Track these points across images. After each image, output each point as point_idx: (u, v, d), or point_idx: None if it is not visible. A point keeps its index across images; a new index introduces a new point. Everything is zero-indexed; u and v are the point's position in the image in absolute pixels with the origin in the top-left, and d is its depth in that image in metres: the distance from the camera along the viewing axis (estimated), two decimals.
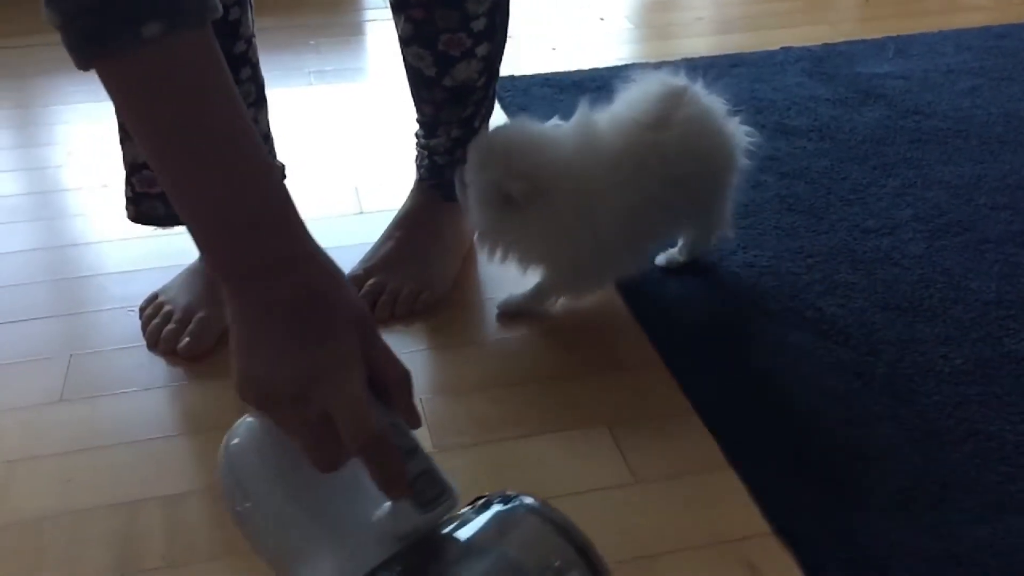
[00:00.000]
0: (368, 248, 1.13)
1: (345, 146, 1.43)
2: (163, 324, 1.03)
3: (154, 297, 1.07)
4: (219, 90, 0.56)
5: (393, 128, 1.41)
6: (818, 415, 0.93)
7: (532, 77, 1.60)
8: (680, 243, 1.12)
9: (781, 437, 0.90)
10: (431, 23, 1.01)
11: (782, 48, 1.69)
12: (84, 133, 1.47)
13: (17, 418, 0.94)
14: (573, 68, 1.64)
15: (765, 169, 1.30)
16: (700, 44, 1.78)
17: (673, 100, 0.99)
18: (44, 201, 1.32)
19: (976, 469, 0.85)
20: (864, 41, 1.72)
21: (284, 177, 1.02)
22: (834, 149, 1.38)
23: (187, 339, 1.01)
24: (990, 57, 1.65)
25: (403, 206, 1.17)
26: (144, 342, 1.03)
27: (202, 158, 0.55)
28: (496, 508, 0.54)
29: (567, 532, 0.53)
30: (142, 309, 1.06)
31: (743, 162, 1.06)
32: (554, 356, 1.03)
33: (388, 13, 1.05)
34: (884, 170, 1.32)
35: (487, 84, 1.09)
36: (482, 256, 1.05)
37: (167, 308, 1.04)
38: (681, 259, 1.12)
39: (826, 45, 1.70)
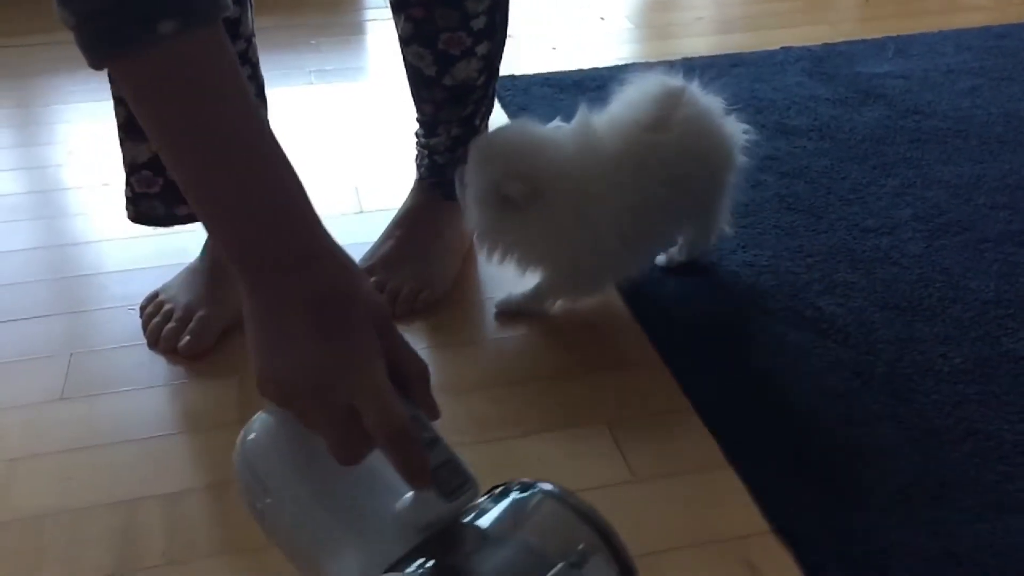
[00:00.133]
0: (368, 247, 1.13)
1: (345, 145, 1.44)
2: (163, 323, 1.03)
3: (154, 296, 1.07)
4: (233, 86, 0.56)
5: (393, 127, 1.41)
6: (817, 414, 0.93)
7: (532, 77, 1.60)
8: (680, 242, 1.12)
9: (780, 436, 0.90)
10: (431, 22, 1.01)
11: (782, 48, 1.70)
12: (85, 132, 1.47)
13: (18, 416, 0.94)
14: (573, 68, 1.64)
15: (765, 168, 1.31)
16: (700, 44, 1.78)
17: (672, 101, 0.99)
18: (45, 200, 1.33)
19: (975, 468, 0.85)
20: (864, 41, 1.72)
21: None
22: (834, 149, 1.38)
23: (187, 338, 1.01)
24: (990, 57, 1.65)
25: (403, 205, 1.17)
26: (144, 341, 1.04)
27: (218, 154, 0.55)
28: (515, 496, 0.54)
29: (589, 517, 0.53)
30: (142, 308, 1.06)
31: (742, 160, 1.06)
32: (554, 355, 1.03)
33: (388, 12, 1.05)
34: (884, 170, 1.32)
35: (487, 83, 1.09)
36: (482, 256, 1.05)
37: (168, 307, 1.04)
38: (681, 258, 1.12)
39: (826, 45, 1.70)
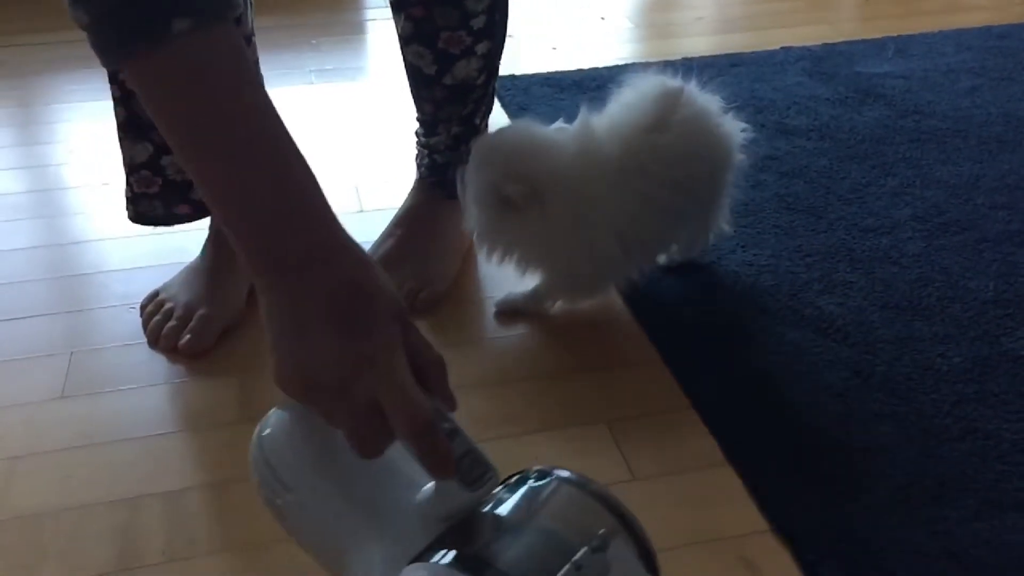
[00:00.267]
0: (368, 246, 1.13)
1: (345, 145, 1.44)
2: (164, 321, 1.03)
3: (155, 295, 1.07)
4: (248, 82, 0.56)
5: (393, 127, 1.41)
6: (816, 413, 0.93)
7: (532, 76, 1.60)
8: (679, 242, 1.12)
9: (779, 435, 0.91)
10: (431, 21, 1.02)
11: (782, 48, 1.70)
12: (85, 131, 1.47)
13: (18, 415, 0.94)
14: (573, 67, 1.64)
15: (765, 168, 1.31)
16: (700, 44, 1.79)
17: (671, 101, 0.99)
18: (45, 199, 1.33)
19: (973, 467, 0.86)
20: (864, 41, 1.72)
21: None
22: (833, 148, 1.38)
23: (188, 336, 1.01)
24: (990, 57, 1.65)
25: (403, 204, 1.17)
26: (145, 339, 1.04)
27: (235, 151, 0.55)
28: (532, 484, 0.55)
29: (607, 501, 0.53)
30: (143, 307, 1.07)
31: (740, 159, 1.06)
32: (553, 354, 1.03)
33: (389, 12, 1.05)
34: (883, 169, 1.32)
35: (487, 82, 1.09)
36: (481, 255, 1.05)
37: (168, 306, 1.04)
38: (680, 258, 1.12)
39: (826, 45, 1.70)
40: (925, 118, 1.45)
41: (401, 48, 1.07)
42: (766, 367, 0.99)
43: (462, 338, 1.05)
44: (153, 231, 1.12)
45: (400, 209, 1.17)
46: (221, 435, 0.92)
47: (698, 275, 1.13)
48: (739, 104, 1.08)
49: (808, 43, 1.71)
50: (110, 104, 1.01)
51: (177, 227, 1.10)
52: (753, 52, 1.68)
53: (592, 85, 1.56)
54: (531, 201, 0.96)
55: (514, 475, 0.57)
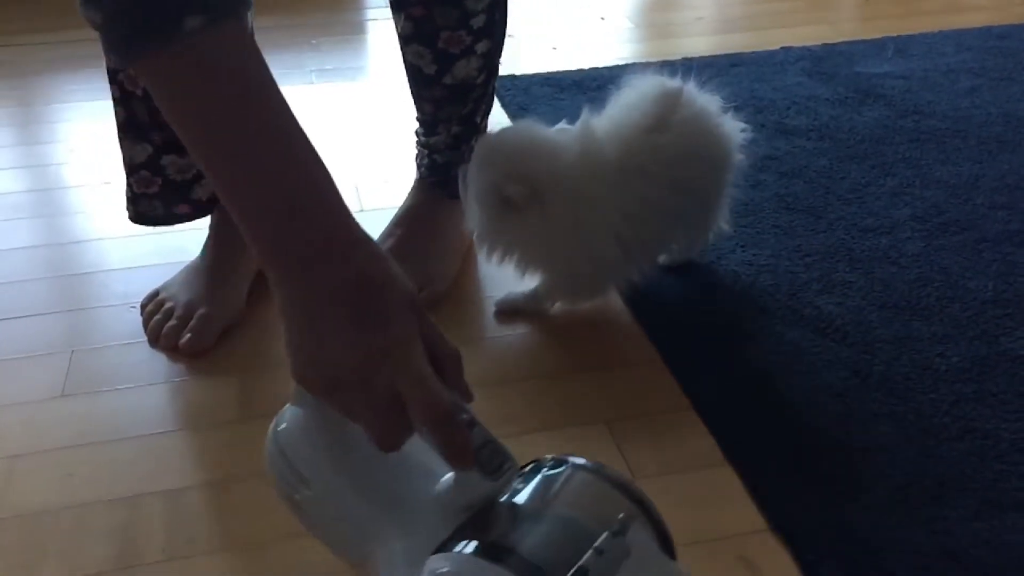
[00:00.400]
0: None
1: (346, 144, 1.44)
2: (164, 321, 1.03)
3: (155, 294, 1.07)
4: (260, 78, 0.56)
5: (394, 126, 1.42)
6: (815, 412, 0.93)
7: (532, 76, 1.60)
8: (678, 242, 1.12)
9: (778, 434, 0.91)
10: (431, 21, 1.02)
11: (782, 48, 1.70)
12: (86, 131, 1.47)
13: (19, 413, 0.94)
14: (573, 67, 1.64)
15: (764, 168, 1.31)
16: (700, 44, 1.79)
17: (670, 102, 0.99)
18: (46, 198, 1.33)
19: (972, 466, 0.86)
20: (864, 41, 1.72)
21: None
22: (833, 148, 1.38)
23: (188, 335, 1.01)
24: (990, 57, 1.65)
25: (403, 204, 1.17)
26: (145, 338, 1.04)
27: (249, 146, 0.55)
28: (548, 472, 0.55)
29: (623, 486, 0.54)
30: (143, 306, 1.07)
31: (740, 159, 1.06)
32: (553, 354, 1.03)
33: (389, 12, 1.06)
34: (883, 169, 1.33)
35: (487, 81, 1.09)
36: (481, 255, 1.06)
37: (168, 305, 1.04)
38: (679, 257, 1.12)
39: (826, 45, 1.71)
40: (925, 118, 1.46)
41: (401, 48, 1.07)
42: (765, 367, 0.99)
43: (462, 338, 1.05)
44: (153, 231, 1.13)
45: (400, 209, 1.17)
46: (221, 434, 0.92)
47: (698, 275, 1.13)
48: (739, 104, 1.09)
49: (808, 43, 1.71)
50: (110, 104, 1.01)
51: (177, 227, 1.10)
52: (753, 52, 1.68)
53: (592, 85, 1.56)
54: (531, 202, 0.96)
55: (528, 464, 0.57)
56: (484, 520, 0.53)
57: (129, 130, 1.02)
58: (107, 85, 1.00)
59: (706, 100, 1.02)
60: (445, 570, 0.50)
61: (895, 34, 1.74)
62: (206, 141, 0.56)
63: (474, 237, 1.04)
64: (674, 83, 1.00)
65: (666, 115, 0.98)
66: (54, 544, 0.80)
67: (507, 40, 1.10)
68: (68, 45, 1.68)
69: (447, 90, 1.07)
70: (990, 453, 0.87)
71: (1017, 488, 0.84)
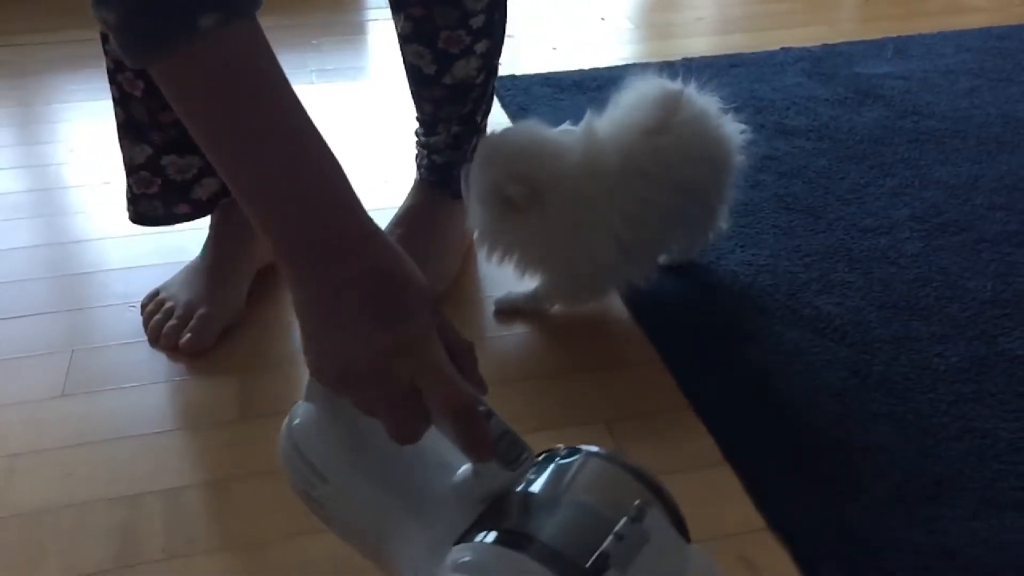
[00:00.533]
0: None
1: (345, 144, 1.43)
2: (164, 320, 1.03)
3: (155, 293, 1.07)
4: (274, 75, 0.56)
5: (394, 126, 1.42)
6: (814, 412, 0.93)
7: (532, 77, 1.60)
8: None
9: (778, 434, 0.91)
10: (430, 21, 1.02)
11: (782, 48, 1.70)
12: (86, 131, 1.47)
13: (19, 413, 0.95)
14: (573, 68, 1.64)
15: (764, 168, 1.31)
16: (700, 44, 1.79)
17: (671, 104, 0.99)
18: (46, 198, 1.33)
19: (970, 466, 0.86)
20: (864, 41, 1.72)
21: None
22: (832, 149, 1.38)
23: (188, 335, 1.01)
24: (989, 58, 1.65)
25: (403, 204, 1.17)
26: (145, 338, 1.04)
27: (265, 143, 0.56)
28: (562, 460, 0.55)
29: (639, 473, 0.54)
30: (143, 305, 1.07)
31: (740, 160, 1.06)
32: (552, 354, 1.03)
33: (389, 12, 1.06)
34: (882, 170, 1.33)
35: (486, 81, 1.10)
36: (481, 254, 1.06)
37: (168, 304, 1.05)
38: (679, 258, 1.12)
39: (826, 45, 1.71)
40: (924, 119, 1.46)
41: (401, 48, 1.07)
42: (765, 367, 0.99)
43: None
44: (153, 230, 1.13)
45: (400, 209, 1.17)
46: (221, 434, 0.92)
47: (697, 275, 1.13)
48: (738, 104, 1.09)
49: (808, 44, 1.71)
50: (110, 104, 1.01)
51: (177, 227, 1.10)
52: (753, 53, 1.68)
53: (592, 85, 1.56)
54: (532, 202, 0.96)
55: (542, 453, 0.57)
56: (502, 509, 0.53)
57: (129, 131, 1.02)
58: (107, 85, 1.00)
59: (706, 102, 1.02)
60: (467, 559, 0.50)
61: (895, 35, 1.74)
62: (219, 139, 0.56)
63: (475, 237, 1.04)
64: (675, 86, 1.00)
65: (667, 118, 0.98)
66: (54, 543, 0.80)
67: (507, 40, 1.10)
68: (68, 45, 1.68)
69: (447, 90, 1.08)
70: (988, 453, 0.87)
71: (1015, 488, 0.84)
